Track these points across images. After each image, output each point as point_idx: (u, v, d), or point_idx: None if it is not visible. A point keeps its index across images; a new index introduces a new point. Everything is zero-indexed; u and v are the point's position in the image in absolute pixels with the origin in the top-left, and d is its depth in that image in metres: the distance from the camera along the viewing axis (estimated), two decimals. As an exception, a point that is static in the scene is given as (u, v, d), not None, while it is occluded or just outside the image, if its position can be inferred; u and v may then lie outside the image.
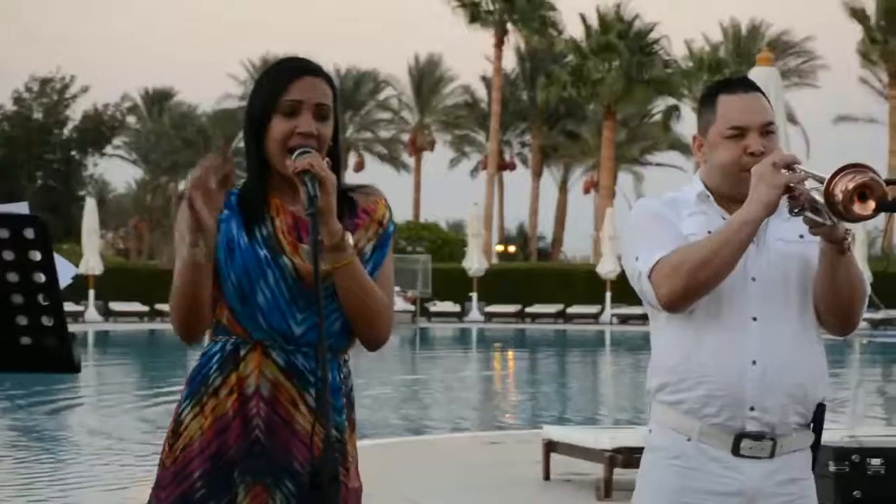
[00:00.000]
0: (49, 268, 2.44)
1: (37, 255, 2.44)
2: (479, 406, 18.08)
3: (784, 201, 3.11)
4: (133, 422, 15.02)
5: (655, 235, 3.28)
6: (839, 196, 2.90)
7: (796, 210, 3.09)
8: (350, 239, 2.88)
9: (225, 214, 2.94)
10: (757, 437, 3.25)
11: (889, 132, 58.61)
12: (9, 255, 2.43)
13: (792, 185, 3.07)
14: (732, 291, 3.23)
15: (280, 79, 2.96)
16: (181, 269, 2.90)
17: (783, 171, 3.10)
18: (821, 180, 2.97)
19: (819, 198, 2.97)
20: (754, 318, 3.25)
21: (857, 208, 2.90)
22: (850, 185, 2.89)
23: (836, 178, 2.91)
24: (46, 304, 2.48)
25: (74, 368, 2.55)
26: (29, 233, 2.43)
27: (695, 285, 3.18)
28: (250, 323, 2.91)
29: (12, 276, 2.45)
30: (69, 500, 9.89)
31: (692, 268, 3.16)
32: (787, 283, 3.28)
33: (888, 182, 2.92)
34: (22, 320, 2.49)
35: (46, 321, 2.49)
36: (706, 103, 3.39)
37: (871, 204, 2.90)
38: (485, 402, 18.89)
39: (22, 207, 2.70)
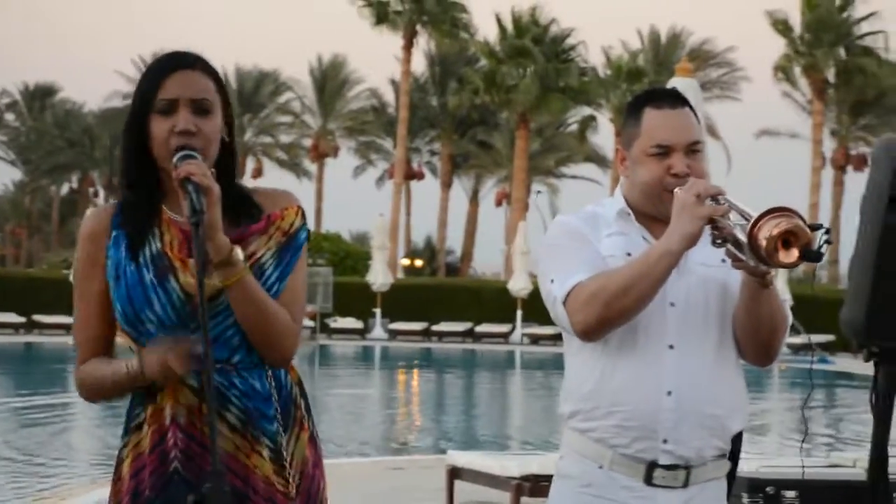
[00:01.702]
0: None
1: None
2: (380, 429, 18.07)
3: (707, 230, 3.13)
4: (8, 444, 14.80)
5: (572, 257, 3.30)
6: (763, 242, 2.93)
7: (719, 241, 3.12)
8: (240, 254, 2.85)
9: (114, 236, 2.94)
10: (670, 467, 3.29)
11: (812, 148, 59.41)
12: None
13: (715, 217, 3.10)
14: (650, 317, 3.25)
15: (154, 76, 2.93)
16: (121, 381, 2.94)
17: (707, 201, 3.12)
18: (745, 216, 3.01)
19: (742, 237, 2.99)
20: (671, 346, 3.29)
21: (781, 256, 2.94)
22: (775, 231, 2.92)
23: (761, 222, 2.93)
24: None
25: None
26: None
27: (612, 315, 3.20)
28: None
29: None
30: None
31: (609, 297, 3.17)
32: (706, 309, 3.32)
33: (812, 227, 2.95)
34: None
35: None
36: (631, 115, 3.39)
37: (795, 252, 2.94)
38: (387, 425, 18.88)
39: None
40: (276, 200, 3.02)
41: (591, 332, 3.24)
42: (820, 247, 2.98)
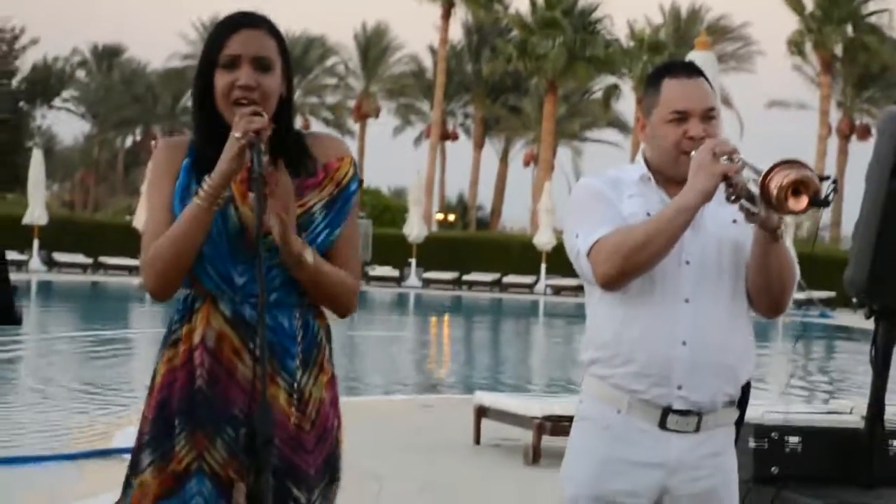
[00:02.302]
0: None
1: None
2: (414, 370, 18.12)
3: (721, 188, 3.12)
4: (71, 372, 14.92)
5: (596, 215, 3.29)
6: (774, 191, 2.95)
7: (732, 198, 3.11)
8: (309, 256, 2.85)
9: (186, 163, 2.95)
10: (684, 413, 3.28)
11: (819, 118, 59.13)
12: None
13: (729, 174, 3.09)
14: (666, 273, 3.25)
15: (220, 34, 2.93)
16: (191, 219, 2.84)
17: (722, 160, 3.11)
18: (757, 172, 3.01)
19: (755, 189, 3.00)
20: (686, 300, 3.27)
21: (791, 203, 2.95)
22: (786, 181, 2.93)
23: (773, 173, 2.95)
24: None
25: (16, 321, 2.54)
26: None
27: (631, 266, 3.20)
28: (201, 272, 2.91)
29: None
30: (12, 443, 9.81)
31: (630, 250, 3.18)
32: (720, 266, 3.31)
33: (821, 178, 2.96)
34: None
35: None
36: (651, 85, 3.38)
37: (805, 199, 2.95)
38: (420, 367, 18.93)
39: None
40: (328, 146, 3.02)
41: (612, 282, 3.24)
42: (827, 195, 2.98)
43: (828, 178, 2.99)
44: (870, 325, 4.76)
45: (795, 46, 59.88)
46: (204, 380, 2.89)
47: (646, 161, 3.40)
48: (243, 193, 2.90)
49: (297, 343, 2.94)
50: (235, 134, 2.79)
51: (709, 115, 3.31)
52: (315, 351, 2.97)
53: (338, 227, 2.96)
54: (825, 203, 2.97)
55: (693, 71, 3.38)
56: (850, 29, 58.63)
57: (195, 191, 2.87)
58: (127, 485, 2.95)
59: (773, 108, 63.08)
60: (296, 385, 2.93)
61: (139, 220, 22.42)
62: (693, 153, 3.19)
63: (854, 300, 4.56)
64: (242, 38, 2.92)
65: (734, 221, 3.25)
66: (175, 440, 2.90)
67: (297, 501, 2.91)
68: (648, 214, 3.26)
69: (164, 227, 2.90)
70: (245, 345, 2.90)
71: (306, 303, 2.96)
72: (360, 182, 3.04)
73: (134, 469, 2.94)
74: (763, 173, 2.97)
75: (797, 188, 2.94)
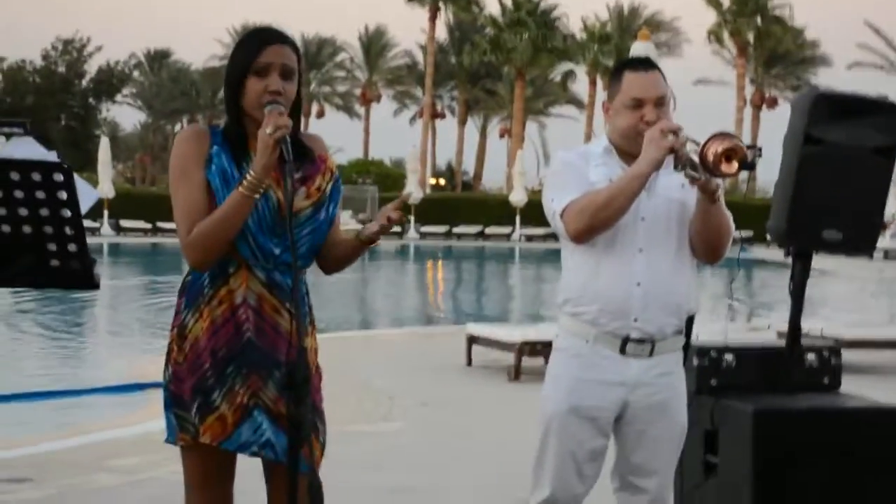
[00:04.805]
0: (73, 204, 2.40)
1: (63, 195, 2.39)
2: (414, 306, 18.11)
3: (669, 159, 3.12)
4: (138, 318, 14.91)
5: (568, 182, 3.28)
6: (711, 157, 2.97)
7: (679, 166, 3.11)
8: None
9: (215, 149, 2.87)
10: (639, 341, 3.27)
11: (736, 92, 59.21)
12: (41, 195, 2.39)
13: (675, 147, 3.08)
14: (625, 228, 3.24)
15: (255, 45, 2.87)
16: (237, 206, 2.76)
17: (669, 136, 3.09)
18: (698, 144, 3.02)
19: (695, 158, 3.01)
20: (640, 250, 3.27)
21: (724, 167, 2.97)
22: (720, 149, 2.96)
23: (710, 143, 2.98)
24: (71, 233, 2.44)
25: (95, 286, 2.51)
26: (58, 176, 2.38)
27: (597, 223, 3.19)
28: (242, 242, 2.83)
29: (44, 212, 2.41)
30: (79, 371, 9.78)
31: (595, 210, 3.17)
32: (668, 222, 3.29)
33: (748, 147, 2.99)
34: (52, 247, 2.45)
35: (72, 248, 2.45)
36: (615, 76, 3.35)
37: (735, 164, 2.98)
38: (419, 303, 18.92)
39: (52, 156, 2.63)
40: (315, 143, 3.01)
41: (582, 236, 3.23)
42: (753, 160, 3.02)
43: (753, 146, 3.02)
44: (779, 256, 4.76)
45: (715, 36, 59.87)
46: (252, 332, 2.85)
47: (609, 138, 3.37)
48: (276, 179, 2.85)
49: (306, 303, 2.93)
50: (267, 130, 2.73)
51: (660, 103, 3.28)
52: (307, 308, 2.96)
53: (338, 202, 2.97)
54: (751, 167, 3.02)
55: (650, 65, 3.35)
56: (759, 20, 58.69)
57: (239, 178, 2.80)
58: (198, 420, 2.85)
59: (698, 85, 62.78)
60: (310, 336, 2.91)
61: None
62: (646, 133, 3.17)
63: (775, 243, 4.53)
64: (274, 51, 2.86)
65: (682, 186, 3.24)
66: (234, 381, 2.85)
67: (317, 429, 2.89)
68: (611, 181, 3.25)
69: (201, 208, 2.82)
70: (282, 303, 2.86)
71: (309, 265, 2.97)
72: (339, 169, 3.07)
73: (206, 409, 2.85)
74: (702, 144, 2.98)
75: (729, 155, 2.96)
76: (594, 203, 3.18)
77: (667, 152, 3.10)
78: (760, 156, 3.02)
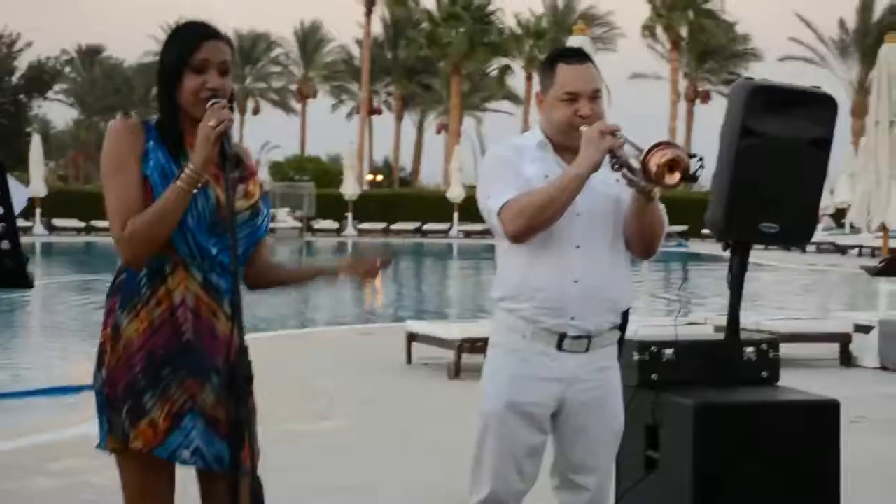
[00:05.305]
0: (5, 202, 2.32)
1: (-6, 195, 2.29)
2: (353, 304, 18.01)
3: (607, 159, 3.09)
4: (73, 317, 14.65)
5: (503, 179, 3.23)
6: (654, 168, 2.96)
7: (616, 167, 3.09)
8: None
9: (152, 144, 2.78)
10: (576, 337, 3.25)
11: (671, 87, 59.78)
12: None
13: (613, 148, 3.06)
14: (562, 224, 3.19)
15: (191, 40, 2.79)
16: (175, 199, 2.70)
17: (608, 137, 3.06)
18: (637, 147, 3.00)
19: (636, 164, 3.00)
20: (577, 246, 3.23)
21: (667, 178, 2.96)
22: (663, 159, 2.95)
23: (653, 152, 2.96)
24: (3, 231, 2.36)
25: (29, 285, 2.44)
26: (-14, 177, 2.28)
27: (536, 224, 3.15)
28: (180, 241, 2.75)
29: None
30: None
31: (534, 211, 3.13)
32: (605, 217, 3.26)
33: (690, 156, 2.97)
34: (-16, 246, 2.35)
35: (4, 246, 2.39)
36: (547, 67, 3.29)
37: (678, 175, 2.96)
38: (358, 302, 18.83)
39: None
40: (242, 150, 2.95)
41: (520, 237, 3.19)
42: (696, 171, 2.99)
43: (695, 156, 3.00)
44: (716, 250, 4.77)
45: (649, 30, 60.36)
46: (190, 334, 2.77)
47: (543, 130, 3.32)
48: (215, 175, 2.77)
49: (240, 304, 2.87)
50: (210, 123, 2.67)
51: (595, 96, 3.25)
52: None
53: (268, 218, 2.94)
54: (693, 178, 3.02)
55: (583, 57, 3.30)
56: (691, 14, 59.23)
57: (177, 174, 2.73)
58: (128, 425, 2.75)
59: (633, 79, 63.28)
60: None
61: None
62: (583, 129, 3.13)
63: (712, 235, 4.52)
64: (211, 47, 2.80)
65: (617, 180, 3.19)
66: (169, 384, 2.76)
67: (254, 431, 2.80)
68: (547, 176, 3.21)
69: (136, 204, 2.74)
70: (219, 306, 2.80)
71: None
72: None
73: (137, 413, 2.75)
74: (644, 152, 2.96)
75: (672, 165, 2.94)
76: (532, 204, 3.14)
77: (605, 153, 3.07)
78: (703, 167, 3.01)
